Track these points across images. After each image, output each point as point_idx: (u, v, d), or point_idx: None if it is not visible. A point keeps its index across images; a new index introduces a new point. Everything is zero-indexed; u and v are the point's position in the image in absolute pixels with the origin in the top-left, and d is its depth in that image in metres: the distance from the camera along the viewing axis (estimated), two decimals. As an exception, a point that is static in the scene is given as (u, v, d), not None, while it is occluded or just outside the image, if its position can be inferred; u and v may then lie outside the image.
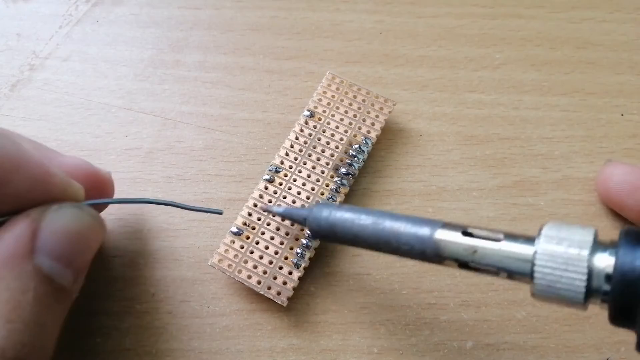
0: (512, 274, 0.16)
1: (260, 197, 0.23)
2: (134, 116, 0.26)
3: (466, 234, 0.17)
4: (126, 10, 0.29)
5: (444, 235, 0.17)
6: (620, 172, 0.23)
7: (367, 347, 0.22)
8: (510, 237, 0.16)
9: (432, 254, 0.17)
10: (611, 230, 0.24)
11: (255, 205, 0.23)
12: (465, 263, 0.17)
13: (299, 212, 0.21)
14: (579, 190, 0.25)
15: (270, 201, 0.23)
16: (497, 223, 0.24)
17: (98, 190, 0.21)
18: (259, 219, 0.23)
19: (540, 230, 0.16)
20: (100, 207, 0.22)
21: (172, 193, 0.24)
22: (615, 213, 0.24)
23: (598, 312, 0.22)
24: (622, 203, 0.23)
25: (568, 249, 0.15)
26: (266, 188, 0.23)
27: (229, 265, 0.22)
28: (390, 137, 0.26)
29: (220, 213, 0.21)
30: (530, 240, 0.16)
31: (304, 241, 0.22)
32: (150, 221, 0.24)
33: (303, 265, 0.22)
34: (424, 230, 0.18)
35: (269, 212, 0.22)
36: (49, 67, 0.27)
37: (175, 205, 0.21)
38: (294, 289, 0.22)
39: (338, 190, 0.23)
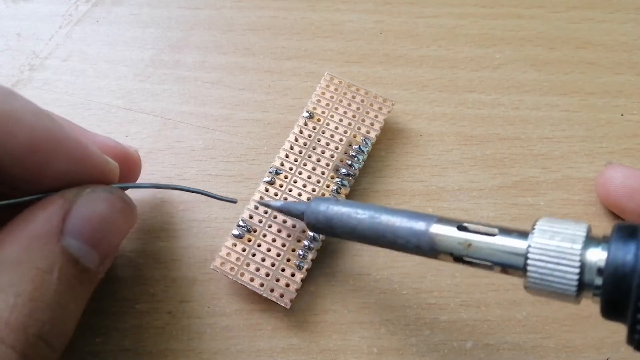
0: (505, 268, 0.16)
1: (261, 199, 0.23)
2: (134, 116, 0.26)
3: (461, 228, 0.17)
4: (126, 10, 0.29)
5: (439, 230, 0.17)
6: (620, 175, 0.23)
7: (367, 347, 0.22)
8: (505, 231, 0.17)
9: (427, 248, 0.18)
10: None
11: (257, 208, 0.23)
12: (460, 257, 0.17)
13: (297, 207, 0.21)
14: (579, 190, 0.25)
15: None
16: (497, 223, 0.24)
17: (127, 169, 0.21)
18: (260, 221, 0.23)
19: (533, 224, 0.16)
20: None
21: (172, 193, 0.24)
22: (616, 214, 0.24)
23: (597, 312, 0.23)
24: (622, 206, 0.23)
25: (561, 243, 0.15)
26: (267, 190, 0.23)
27: (231, 269, 0.22)
28: (390, 137, 0.26)
29: (234, 202, 0.22)
30: (524, 234, 0.16)
31: (306, 242, 0.22)
32: (150, 221, 0.24)
33: (305, 266, 0.22)
34: (419, 225, 0.18)
35: (267, 206, 0.22)
36: (49, 67, 0.27)
37: (203, 193, 0.21)
38: (297, 290, 0.22)
39: (339, 191, 0.23)
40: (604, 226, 0.24)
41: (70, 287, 0.17)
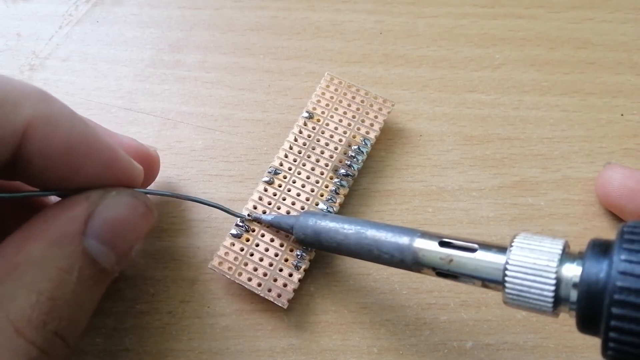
0: (485, 283, 0.17)
1: (260, 199, 0.23)
2: (134, 116, 0.26)
3: (443, 243, 0.18)
4: (126, 10, 0.29)
5: (422, 245, 0.18)
6: (619, 176, 0.23)
7: (367, 347, 0.22)
8: (485, 247, 0.17)
9: (411, 263, 0.18)
10: (611, 231, 0.24)
11: (255, 208, 0.23)
12: (442, 272, 0.18)
13: (287, 221, 0.22)
14: (579, 190, 0.25)
15: (269, 203, 0.23)
16: (497, 223, 0.24)
17: (148, 169, 0.21)
18: (259, 221, 0.23)
19: (512, 240, 0.17)
20: (147, 182, 0.23)
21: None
22: (615, 214, 0.24)
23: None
24: (622, 207, 0.23)
25: (537, 260, 0.16)
26: (265, 190, 0.23)
27: (229, 268, 0.22)
28: (390, 137, 0.26)
29: (243, 217, 0.23)
30: (502, 250, 0.17)
31: (304, 242, 0.22)
32: (150, 221, 0.24)
33: (303, 267, 0.22)
34: (403, 240, 0.18)
35: (259, 220, 0.22)
36: (49, 67, 0.27)
37: (220, 207, 0.22)
38: (294, 290, 0.22)
39: (337, 191, 0.23)
40: (604, 226, 0.24)
41: (87, 286, 0.18)
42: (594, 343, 0.22)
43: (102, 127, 0.21)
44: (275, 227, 0.22)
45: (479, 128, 0.26)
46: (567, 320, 0.22)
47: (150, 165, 0.22)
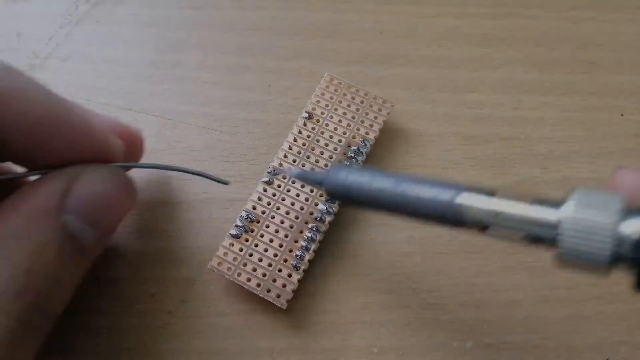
0: (536, 239, 0.16)
1: (259, 199, 0.23)
2: (134, 116, 0.26)
3: (490, 197, 0.16)
4: (126, 10, 0.29)
5: (466, 200, 0.17)
6: (630, 179, 0.23)
7: (367, 347, 0.22)
8: (537, 201, 0.16)
9: (453, 218, 0.17)
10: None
11: (255, 208, 0.23)
12: (487, 226, 0.16)
13: (315, 175, 0.21)
14: (579, 190, 0.25)
15: (268, 203, 0.23)
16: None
17: (130, 149, 0.21)
18: (258, 222, 0.23)
19: (567, 195, 0.15)
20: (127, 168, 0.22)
21: (171, 193, 0.24)
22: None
23: (598, 313, 0.23)
24: None
25: (596, 215, 0.15)
26: (265, 190, 0.23)
27: (228, 268, 0.22)
28: (390, 137, 0.26)
29: (227, 183, 0.21)
30: (557, 205, 0.15)
31: (303, 243, 0.22)
32: (150, 221, 0.24)
33: (302, 267, 0.22)
34: (445, 194, 0.17)
35: (283, 175, 0.22)
36: (49, 67, 0.27)
37: (200, 174, 0.21)
38: (294, 291, 0.22)
39: (338, 190, 0.23)
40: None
41: (66, 262, 0.17)
42: (594, 343, 0.22)
43: (78, 104, 0.20)
44: (302, 182, 0.21)
45: (479, 128, 0.26)
46: (567, 320, 0.22)
47: (133, 142, 0.22)
